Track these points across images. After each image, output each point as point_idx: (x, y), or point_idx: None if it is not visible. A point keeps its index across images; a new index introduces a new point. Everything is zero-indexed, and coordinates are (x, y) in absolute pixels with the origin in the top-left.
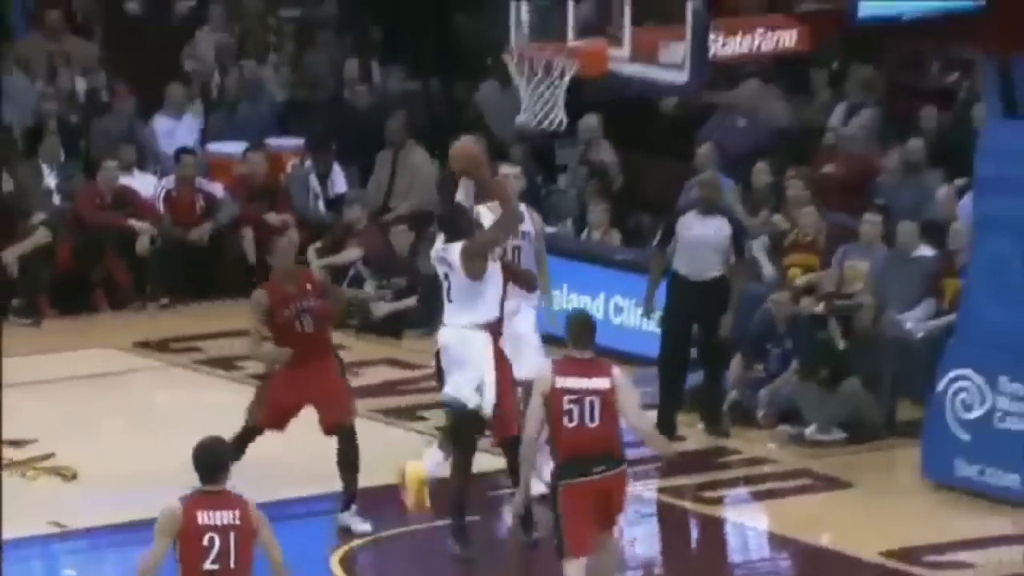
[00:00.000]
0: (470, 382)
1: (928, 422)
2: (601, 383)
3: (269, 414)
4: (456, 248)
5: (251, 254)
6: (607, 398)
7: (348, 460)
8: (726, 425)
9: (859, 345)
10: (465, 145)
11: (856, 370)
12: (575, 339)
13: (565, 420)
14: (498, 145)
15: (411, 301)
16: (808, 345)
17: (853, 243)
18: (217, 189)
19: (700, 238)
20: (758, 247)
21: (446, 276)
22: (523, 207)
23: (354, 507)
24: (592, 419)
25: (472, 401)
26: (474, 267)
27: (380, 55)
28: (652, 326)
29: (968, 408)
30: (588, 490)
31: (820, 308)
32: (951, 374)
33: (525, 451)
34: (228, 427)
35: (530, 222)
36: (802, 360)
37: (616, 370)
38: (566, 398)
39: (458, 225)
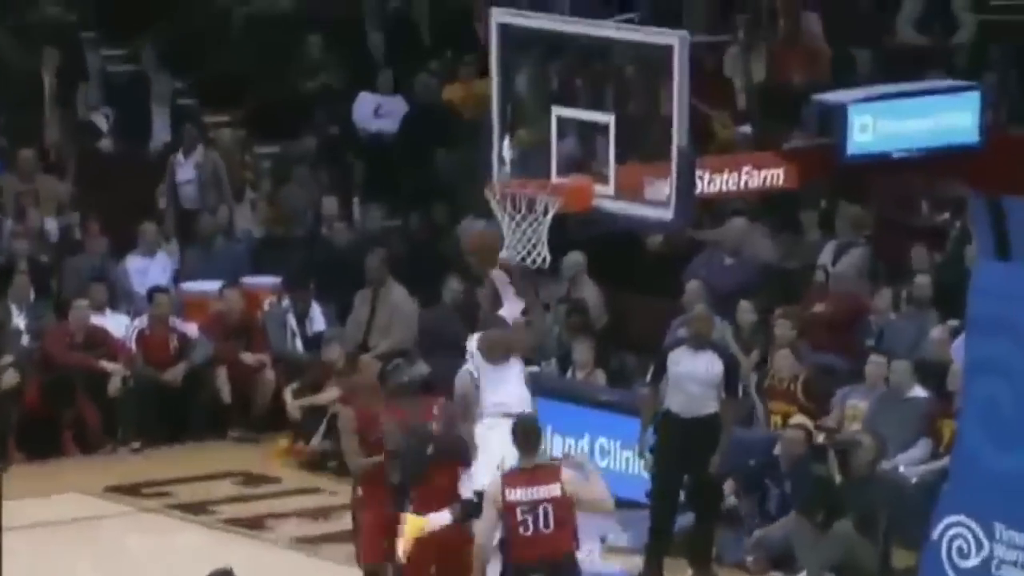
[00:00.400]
0: (471, 474)
1: (923, 570)
2: (552, 490)
3: (368, 549)
4: (475, 337)
5: (226, 394)
6: (560, 503)
7: None
8: (715, 570)
9: (855, 484)
10: (476, 235)
11: (851, 510)
12: (521, 446)
13: (520, 530)
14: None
15: None
16: (806, 479)
17: (858, 384)
18: (191, 329)
19: (690, 374)
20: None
21: (476, 369)
22: None
23: None
24: (547, 525)
25: (468, 491)
26: (494, 353)
27: (360, 191)
28: (639, 468)
29: (964, 556)
30: None
31: (821, 439)
32: (946, 520)
33: (477, 554)
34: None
35: None
36: (799, 496)
37: (566, 472)
38: (519, 509)
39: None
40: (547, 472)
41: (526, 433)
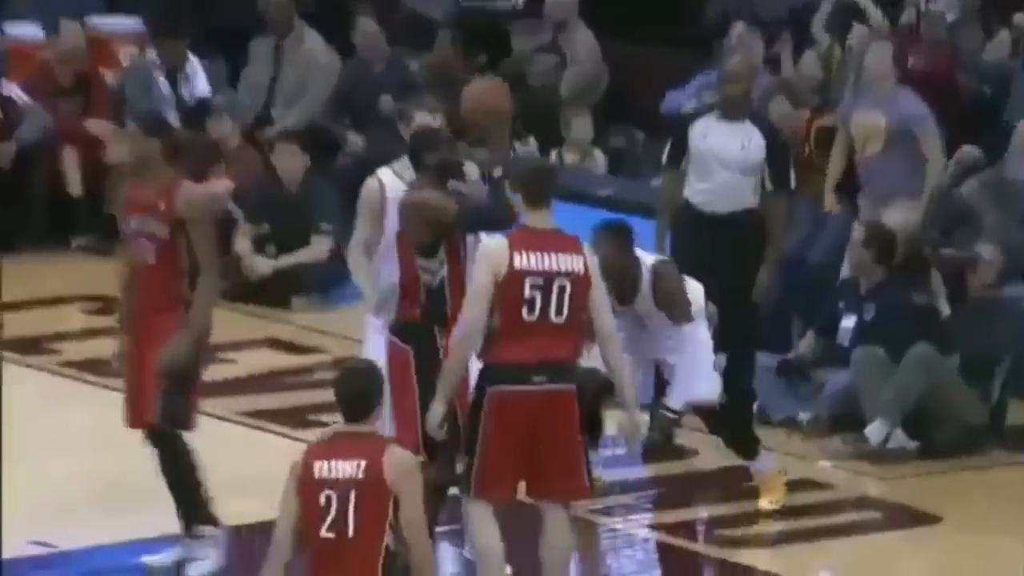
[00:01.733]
0: None
1: None
2: (574, 262)
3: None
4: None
5: (75, 184)
6: (580, 283)
7: (167, 470)
8: (754, 433)
9: (969, 315)
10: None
11: (960, 350)
12: (531, 193)
13: (524, 311)
14: (428, 28)
15: (304, 255)
16: (896, 309)
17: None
18: (19, 92)
19: (721, 152)
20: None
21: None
22: None
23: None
24: (559, 312)
25: None
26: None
27: None
28: None
29: None
30: (523, 404)
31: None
32: None
33: (451, 365)
34: (41, 440)
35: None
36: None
37: (587, 248)
38: (528, 281)
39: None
40: (567, 240)
41: (534, 177)
